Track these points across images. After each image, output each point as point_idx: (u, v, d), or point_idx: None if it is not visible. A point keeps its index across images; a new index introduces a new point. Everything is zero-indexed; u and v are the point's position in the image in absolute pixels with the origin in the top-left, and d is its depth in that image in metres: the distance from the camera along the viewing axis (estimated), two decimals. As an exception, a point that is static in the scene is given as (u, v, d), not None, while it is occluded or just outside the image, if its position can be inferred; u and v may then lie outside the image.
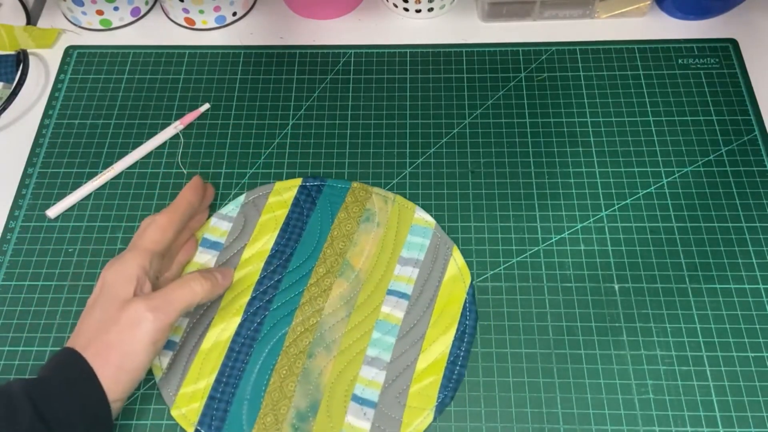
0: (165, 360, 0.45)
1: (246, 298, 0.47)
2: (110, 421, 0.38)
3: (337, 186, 0.51)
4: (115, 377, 0.38)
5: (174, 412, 0.43)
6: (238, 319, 0.46)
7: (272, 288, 0.47)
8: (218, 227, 0.50)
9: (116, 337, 0.39)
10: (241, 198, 0.51)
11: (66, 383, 0.38)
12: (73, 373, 0.38)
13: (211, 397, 0.43)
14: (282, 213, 0.50)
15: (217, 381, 0.44)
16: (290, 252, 0.48)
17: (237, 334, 0.46)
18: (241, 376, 0.44)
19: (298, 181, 0.52)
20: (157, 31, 0.61)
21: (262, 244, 0.49)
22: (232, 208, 0.51)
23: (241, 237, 0.49)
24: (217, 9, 0.59)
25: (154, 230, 0.44)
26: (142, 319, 0.39)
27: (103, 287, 0.41)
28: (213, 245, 0.49)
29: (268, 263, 0.48)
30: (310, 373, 0.44)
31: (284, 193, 0.51)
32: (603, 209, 0.50)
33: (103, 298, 0.41)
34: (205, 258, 0.48)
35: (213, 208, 0.51)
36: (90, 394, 0.38)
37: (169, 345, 0.45)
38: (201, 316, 0.46)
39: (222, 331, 0.46)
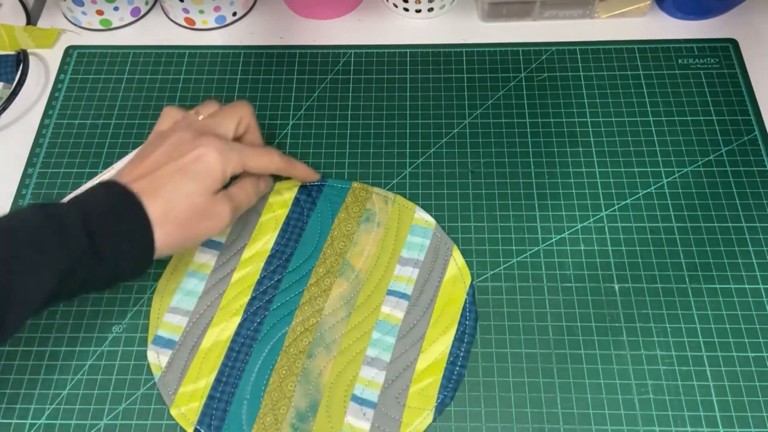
0: (164, 359, 0.45)
1: (246, 298, 0.47)
2: (152, 249, 0.39)
3: (337, 186, 0.51)
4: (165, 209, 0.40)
5: (173, 411, 0.43)
6: (237, 319, 0.46)
7: (272, 288, 0.47)
8: (218, 227, 0.50)
9: (175, 167, 0.41)
10: (241, 198, 0.51)
11: (113, 207, 0.39)
12: (120, 203, 0.39)
13: (210, 397, 0.43)
14: (282, 213, 0.50)
15: (217, 380, 0.44)
16: (290, 252, 0.48)
17: (237, 333, 0.45)
18: (240, 376, 0.44)
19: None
20: (157, 31, 0.61)
21: (262, 244, 0.49)
22: (232, 208, 0.50)
23: (241, 237, 0.49)
24: (217, 9, 0.59)
25: (233, 122, 0.45)
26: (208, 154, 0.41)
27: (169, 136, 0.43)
28: (213, 245, 0.49)
29: (268, 263, 0.48)
30: (310, 373, 0.44)
31: (284, 193, 0.51)
32: (603, 209, 0.50)
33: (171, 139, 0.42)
34: (204, 258, 0.48)
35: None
36: (135, 220, 0.39)
37: (168, 344, 0.45)
38: (201, 315, 0.46)
39: (222, 331, 0.46)
